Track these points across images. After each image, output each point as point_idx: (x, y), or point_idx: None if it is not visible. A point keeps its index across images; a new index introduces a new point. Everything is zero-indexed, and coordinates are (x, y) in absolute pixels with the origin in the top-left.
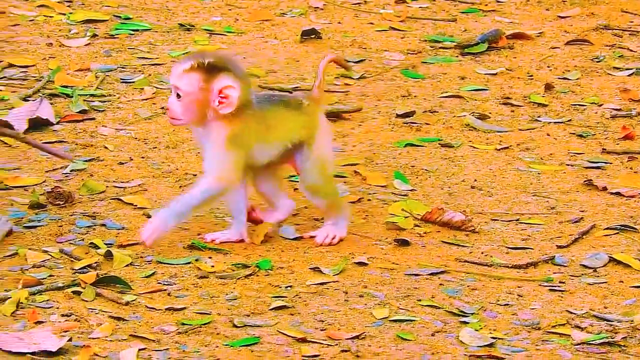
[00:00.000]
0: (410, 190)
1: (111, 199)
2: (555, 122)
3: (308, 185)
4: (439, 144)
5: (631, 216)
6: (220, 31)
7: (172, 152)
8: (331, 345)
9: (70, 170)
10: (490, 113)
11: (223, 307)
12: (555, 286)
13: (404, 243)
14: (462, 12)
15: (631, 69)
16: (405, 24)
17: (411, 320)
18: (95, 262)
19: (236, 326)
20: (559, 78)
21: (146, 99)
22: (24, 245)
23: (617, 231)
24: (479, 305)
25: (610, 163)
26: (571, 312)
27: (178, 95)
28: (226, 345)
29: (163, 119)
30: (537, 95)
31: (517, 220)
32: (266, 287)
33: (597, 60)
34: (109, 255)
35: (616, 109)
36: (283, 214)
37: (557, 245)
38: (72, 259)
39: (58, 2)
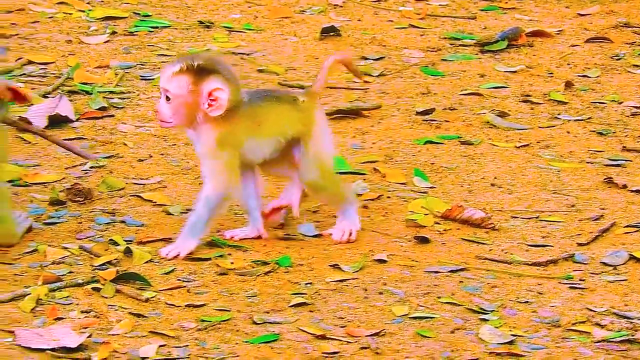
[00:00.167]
0: (430, 187)
1: (130, 195)
2: (575, 120)
3: (307, 182)
4: (459, 141)
5: None
6: (239, 28)
7: (192, 149)
8: (351, 343)
9: (90, 167)
10: (510, 111)
11: (242, 304)
12: (575, 284)
13: (424, 240)
14: (482, 10)
15: None
16: (425, 22)
17: (431, 318)
18: (115, 259)
19: (256, 323)
20: (578, 76)
21: None
22: (43, 242)
23: (637, 229)
24: (499, 302)
25: (630, 161)
26: (591, 310)
27: (167, 98)
28: (246, 342)
29: None
30: (557, 92)
31: (537, 217)
32: (286, 284)
33: (617, 58)
34: (128, 252)
35: (636, 107)
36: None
37: (577, 243)
38: (91, 256)
39: None
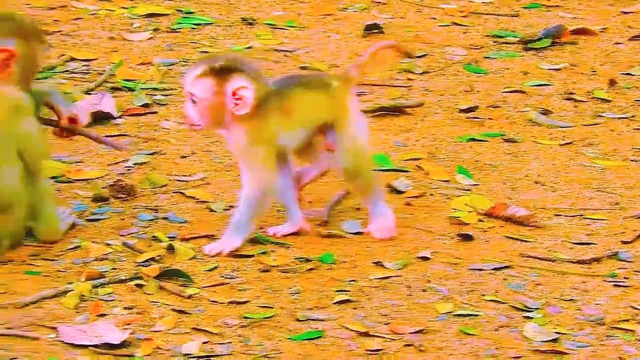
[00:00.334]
0: (474, 185)
1: (173, 192)
2: (618, 118)
3: (344, 168)
4: (502, 139)
5: None
6: (282, 26)
7: None
8: (394, 340)
9: (133, 164)
10: (553, 108)
11: (286, 300)
12: (619, 281)
13: (468, 238)
14: (525, 8)
15: None
16: (468, 19)
17: (475, 315)
18: (158, 255)
19: (299, 320)
20: (622, 74)
21: None
22: (86, 238)
23: None
24: (543, 300)
25: None
26: (636, 308)
27: (193, 102)
28: (289, 338)
29: None
30: (601, 90)
31: (581, 215)
32: (329, 281)
33: None
34: (171, 249)
35: None
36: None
37: (621, 241)
38: (134, 252)
39: None
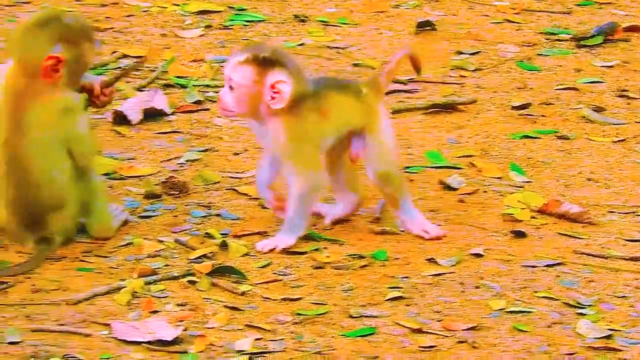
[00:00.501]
0: (527, 182)
1: (226, 189)
2: None
3: (378, 173)
4: (555, 136)
5: None
6: (334, 22)
7: None
8: (447, 337)
9: (185, 161)
10: (606, 105)
11: (339, 297)
12: None
13: (521, 235)
14: (578, 5)
15: None
16: (520, 16)
17: (528, 312)
18: (211, 252)
19: (352, 317)
20: None
21: None
22: (139, 235)
23: None
24: (596, 297)
25: None
26: None
27: (231, 87)
28: (342, 335)
29: None
30: None
31: (634, 212)
32: (382, 278)
33: None
34: (224, 246)
35: None
36: (343, 210)
37: None
38: (187, 249)
39: None
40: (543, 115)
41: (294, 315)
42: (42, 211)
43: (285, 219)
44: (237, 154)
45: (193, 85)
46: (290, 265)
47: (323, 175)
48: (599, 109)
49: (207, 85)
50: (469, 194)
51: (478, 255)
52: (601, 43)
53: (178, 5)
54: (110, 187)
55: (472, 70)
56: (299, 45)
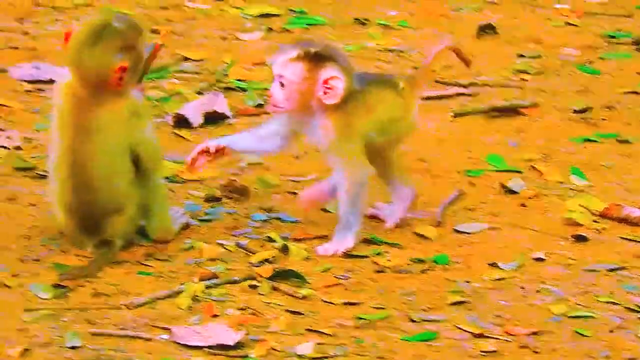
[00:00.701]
0: (588, 185)
1: (286, 192)
2: None
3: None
4: (617, 140)
5: None
6: (395, 26)
7: None
8: (509, 341)
9: (246, 164)
10: None
11: (400, 301)
12: None
13: (582, 239)
14: (639, 8)
15: None
16: (581, 20)
17: (589, 317)
18: (272, 256)
19: (413, 321)
20: None
21: None
22: (199, 239)
23: None
24: None
25: None
26: None
27: (282, 84)
28: (403, 339)
29: None
30: None
31: None
32: (443, 282)
33: None
34: (285, 249)
35: None
36: (402, 210)
37: None
38: (247, 253)
39: None
40: (604, 119)
41: (355, 320)
42: (101, 215)
43: (339, 219)
44: (298, 157)
45: (254, 89)
46: (351, 269)
47: (370, 170)
48: None
49: (268, 89)
50: (530, 197)
51: (539, 260)
52: None
53: (239, 8)
54: (171, 190)
55: (534, 74)
56: (360, 48)
